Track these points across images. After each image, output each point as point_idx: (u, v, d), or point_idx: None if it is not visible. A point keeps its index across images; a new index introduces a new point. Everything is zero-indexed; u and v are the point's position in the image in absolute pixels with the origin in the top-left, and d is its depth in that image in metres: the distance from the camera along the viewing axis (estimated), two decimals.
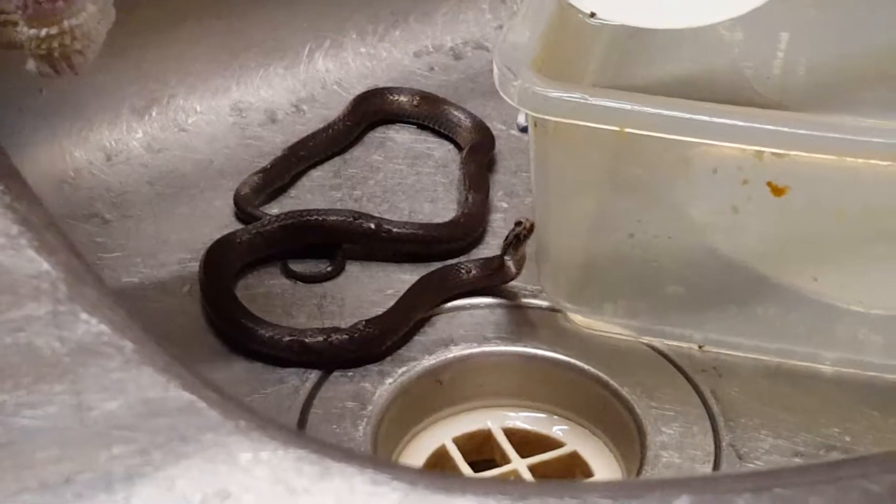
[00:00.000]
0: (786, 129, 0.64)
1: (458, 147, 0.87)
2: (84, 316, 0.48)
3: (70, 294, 0.49)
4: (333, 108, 0.89)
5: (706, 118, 0.65)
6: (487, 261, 0.77)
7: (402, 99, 0.89)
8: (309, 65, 0.90)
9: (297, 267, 0.78)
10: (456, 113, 0.88)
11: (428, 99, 0.89)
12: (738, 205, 0.69)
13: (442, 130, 0.88)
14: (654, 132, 0.66)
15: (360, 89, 0.90)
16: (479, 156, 0.85)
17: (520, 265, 0.75)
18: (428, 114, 0.89)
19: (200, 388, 0.44)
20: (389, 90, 0.89)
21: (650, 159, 0.70)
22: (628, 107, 0.65)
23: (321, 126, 0.87)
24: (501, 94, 0.67)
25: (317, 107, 0.89)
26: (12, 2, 0.58)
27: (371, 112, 0.89)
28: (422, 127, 0.89)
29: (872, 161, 0.64)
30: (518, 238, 0.74)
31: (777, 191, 0.68)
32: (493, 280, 0.76)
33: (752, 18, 0.77)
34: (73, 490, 0.43)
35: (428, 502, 0.41)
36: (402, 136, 0.89)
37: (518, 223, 0.74)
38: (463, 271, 0.76)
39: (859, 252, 0.71)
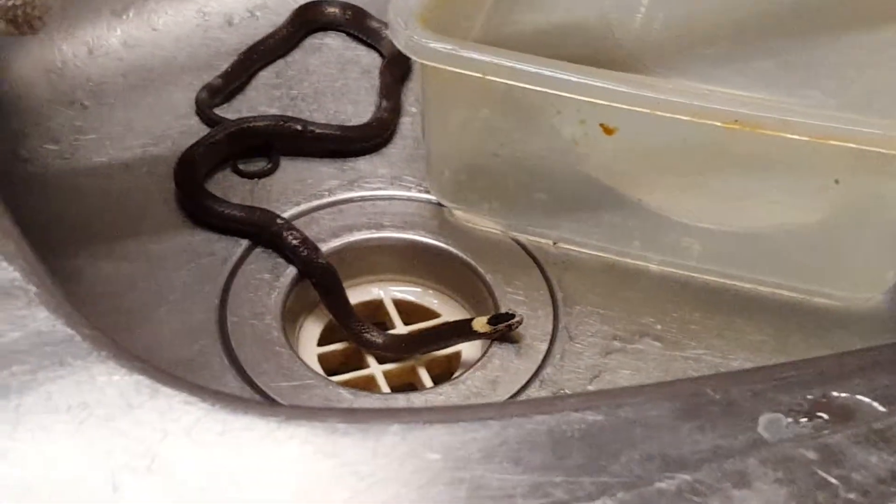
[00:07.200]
0: (607, 86, 0.71)
1: (382, 56, 0.93)
2: (4, 264, 0.57)
3: None
4: (283, 14, 0.95)
5: (547, 72, 0.72)
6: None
7: (336, 11, 0.95)
8: None
9: (242, 165, 0.86)
10: (380, 26, 0.93)
11: (357, 12, 0.95)
12: (579, 139, 0.77)
13: (368, 41, 0.94)
14: (507, 80, 0.72)
15: None
16: (396, 68, 0.91)
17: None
18: (356, 25, 0.95)
19: (80, 325, 0.54)
20: (327, 2, 0.95)
21: (513, 97, 0.76)
22: (487, 59, 0.73)
23: (270, 31, 0.93)
24: (393, 41, 0.74)
25: (268, 13, 0.95)
26: None
27: (309, 21, 0.95)
28: (352, 36, 0.95)
29: (677, 116, 0.70)
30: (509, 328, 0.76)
31: (608, 130, 0.75)
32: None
33: None
34: None
35: (220, 418, 0.52)
36: (336, 43, 0.95)
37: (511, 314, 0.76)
38: None
39: (683, 178, 0.79)
